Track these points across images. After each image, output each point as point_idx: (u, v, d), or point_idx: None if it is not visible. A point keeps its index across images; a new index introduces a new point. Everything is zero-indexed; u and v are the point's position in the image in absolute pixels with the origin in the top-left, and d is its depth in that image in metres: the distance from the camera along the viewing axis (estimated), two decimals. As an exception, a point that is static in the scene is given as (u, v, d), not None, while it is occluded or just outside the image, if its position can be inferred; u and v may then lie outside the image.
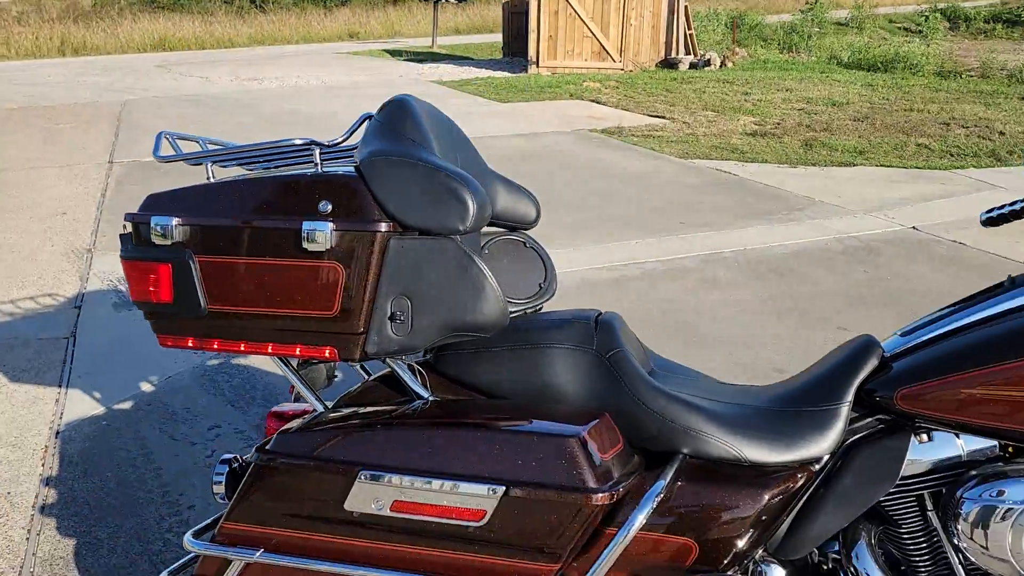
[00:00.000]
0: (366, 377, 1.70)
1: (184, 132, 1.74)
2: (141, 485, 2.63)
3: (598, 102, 10.72)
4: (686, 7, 14.09)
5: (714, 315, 3.98)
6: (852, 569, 1.43)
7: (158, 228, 1.44)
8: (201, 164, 1.59)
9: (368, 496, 1.36)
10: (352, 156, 1.55)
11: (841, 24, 21.86)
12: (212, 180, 1.55)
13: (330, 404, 1.59)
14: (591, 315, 1.56)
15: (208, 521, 1.53)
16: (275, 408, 1.74)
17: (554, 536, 1.32)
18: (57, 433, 2.95)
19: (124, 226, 1.53)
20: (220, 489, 1.54)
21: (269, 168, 1.63)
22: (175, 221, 1.44)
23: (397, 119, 1.49)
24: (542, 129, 8.88)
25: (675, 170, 7.02)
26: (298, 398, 1.73)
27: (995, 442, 1.39)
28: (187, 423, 3.01)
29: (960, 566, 1.42)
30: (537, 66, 13.89)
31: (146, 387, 3.29)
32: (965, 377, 1.35)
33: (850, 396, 1.44)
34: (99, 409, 3.12)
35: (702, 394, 1.50)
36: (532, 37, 13.89)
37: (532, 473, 1.31)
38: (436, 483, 1.33)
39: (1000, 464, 1.38)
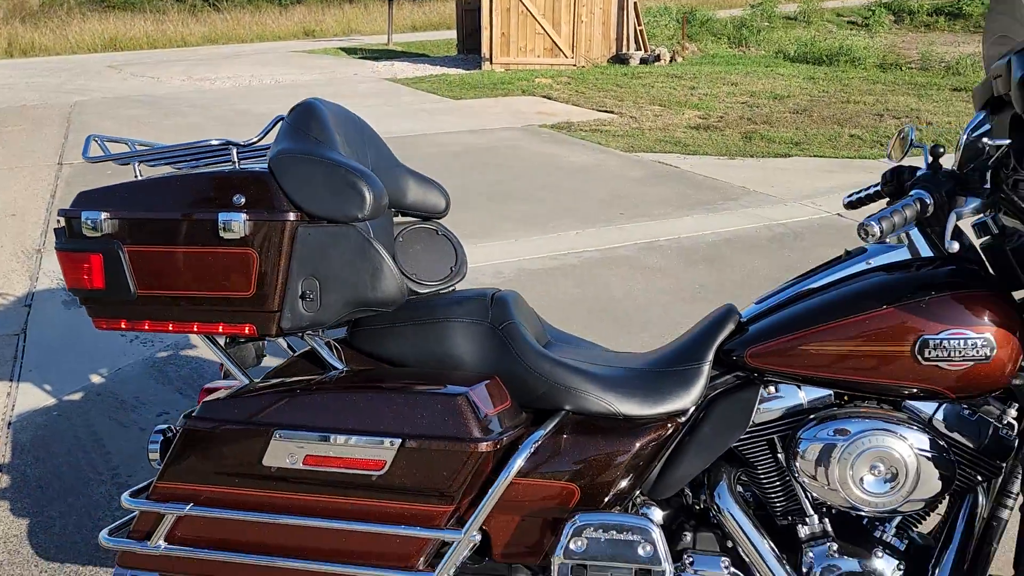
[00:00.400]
0: (291, 355, 1.87)
1: (116, 135, 1.89)
2: (91, 468, 2.77)
3: (549, 98, 10.94)
4: (635, 3, 14.35)
5: (646, 300, 4.20)
6: (716, 506, 1.64)
7: (88, 222, 1.60)
8: (130, 164, 1.75)
9: (283, 452, 1.54)
10: (265, 155, 1.72)
11: (790, 18, 22.30)
12: (139, 178, 1.71)
13: (258, 380, 1.76)
14: (488, 293, 1.74)
15: (144, 484, 1.69)
16: (207, 384, 1.91)
17: (447, 481, 1.51)
18: (9, 424, 3.08)
19: (58, 221, 1.68)
20: (155, 456, 1.70)
21: (194, 166, 1.79)
22: (104, 215, 1.60)
23: (304, 121, 1.67)
24: (493, 125, 9.06)
25: (619, 163, 7.25)
26: (227, 375, 1.90)
27: (831, 391, 1.61)
28: (136, 411, 3.15)
29: (807, 500, 1.63)
30: (491, 63, 14.07)
31: (96, 379, 3.42)
32: (802, 336, 1.56)
33: (710, 356, 1.64)
34: (50, 400, 3.25)
35: (584, 359, 1.70)
36: (485, 34, 14.07)
37: (425, 427, 1.50)
38: (341, 438, 1.52)
39: (834, 409, 1.59)
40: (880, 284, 1.57)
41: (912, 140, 1.81)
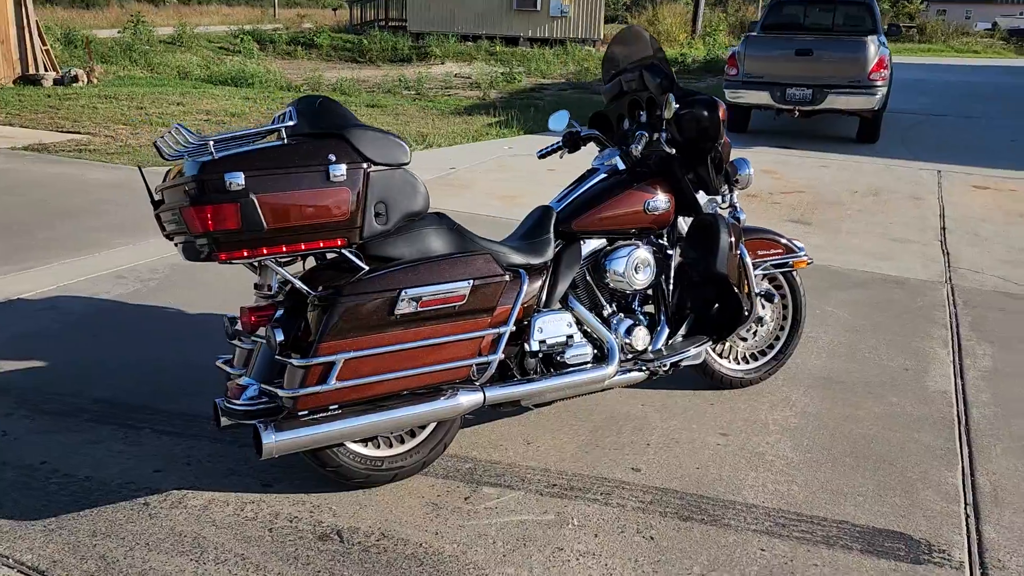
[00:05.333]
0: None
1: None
2: None
3: (-14, 121, 10.13)
4: (37, 23, 13.70)
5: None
6: (570, 307, 3.07)
7: (229, 180, 2.26)
8: (206, 143, 2.38)
9: (406, 303, 2.48)
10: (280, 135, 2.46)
11: (169, 42, 23.01)
12: (215, 156, 2.35)
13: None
14: (435, 213, 2.83)
15: (287, 354, 2.40)
16: (245, 306, 2.60)
17: (492, 301, 2.64)
18: None
19: (187, 187, 2.26)
20: (281, 338, 2.43)
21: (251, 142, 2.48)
22: (241, 175, 2.28)
23: (332, 105, 2.56)
24: (-45, 150, 8.30)
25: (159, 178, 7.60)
26: (261, 298, 2.62)
27: (605, 238, 3.17)
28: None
29: (603, 297, 3.17)
30: None
31: None
32: (595, 211, 3.08)
33: (551, 229, 3.05)
34: None
35: (497, 241, 2.95)
36: None
37: (480, 272, 2.61)
38: (445, 286, 2.53)
39: (609, 247, 3.17)
40: (619, 180, 3.19)
41: (570, 120, 3.48)
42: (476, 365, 2.69)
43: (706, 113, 3.08)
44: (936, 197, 7.80)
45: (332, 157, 2.42)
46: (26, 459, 2.91)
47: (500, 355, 2.74)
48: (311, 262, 2.71)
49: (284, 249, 2.41)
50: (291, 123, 2.52)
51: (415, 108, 12.69)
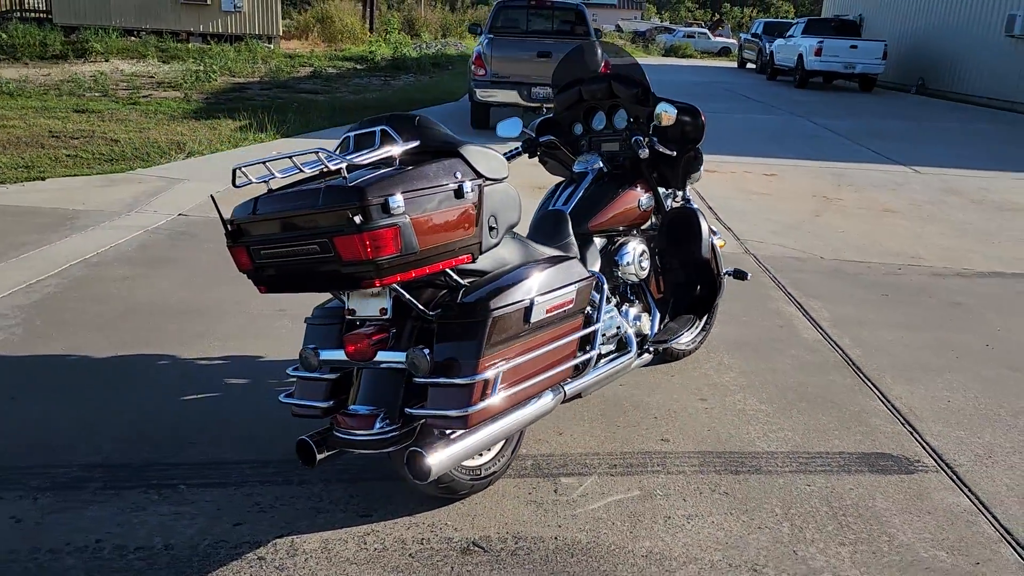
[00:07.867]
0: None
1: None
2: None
3: None
4: None
5: (154, 288, 4.71)
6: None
7: (392, 203, 2.21)
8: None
9: (538, 310, 2.55)
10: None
11: None
12: (349, 183, 2.25)
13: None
14: None
15: (442, 381, 2.37)
16: (349, 335, 2.50)
17: (586, 301, 2.82)
18: None
19: (351, 213, 2.15)
20: (428, 355, 2.40)
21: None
22: (400, 197, 2.23)
23: (431, 121, 2.55)
24: None
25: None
26: (355, 322, 2.54)
27: (606, 236, 3.46)
28: None
29: (606, 287, 3.46)
30: None
31: None
32: (602, 213, 3.36)
33: (571, 232, 3.26)
34: None
35: (546, 247, 3.09)
36: None
37: (578, 276, 2.76)
38: (557, 291, 2.64)
39: (613, 243, 3.46)
40: (612, 183, 3.49)
41: (523, 124, 3.74)
42: (581, 362, 2.86)
43: (689, 119, 3.50)
44: (684, 181, 9.03)
45: (458, 175, 2.44)
46: (75, 541, 2.50)
47: (598, 350, 2.93)
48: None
49: (427, 271, 2.39)
50: (414, 144, 2.47)
51: (136, 113, 11.55)
